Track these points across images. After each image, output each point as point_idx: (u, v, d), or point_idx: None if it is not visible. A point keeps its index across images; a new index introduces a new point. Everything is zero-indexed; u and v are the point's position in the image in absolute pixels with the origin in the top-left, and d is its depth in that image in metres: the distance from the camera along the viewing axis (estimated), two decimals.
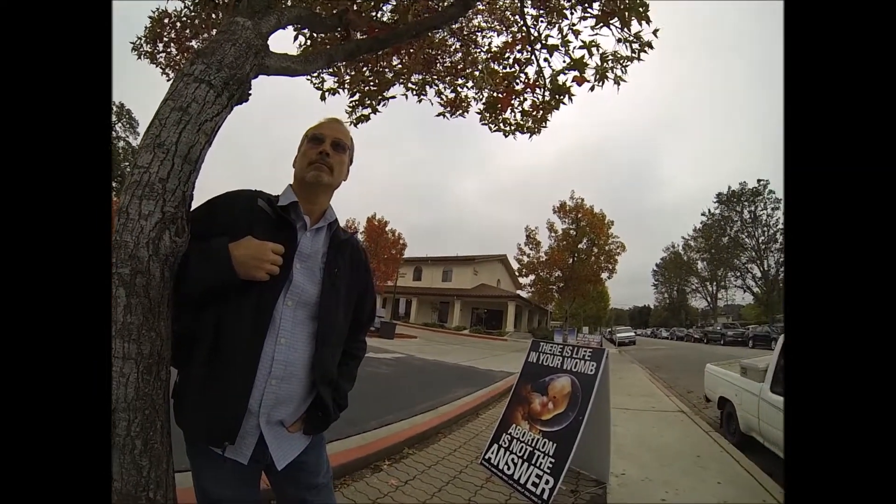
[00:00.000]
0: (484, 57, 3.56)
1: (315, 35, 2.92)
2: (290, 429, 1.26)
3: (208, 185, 1.34)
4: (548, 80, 3.23)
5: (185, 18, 3.42)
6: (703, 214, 56.95)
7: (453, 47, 3.64)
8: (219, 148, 1.38)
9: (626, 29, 2.83)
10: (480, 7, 3.56)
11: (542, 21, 3.15)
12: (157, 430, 1.16)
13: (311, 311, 1.27)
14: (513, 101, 3.44)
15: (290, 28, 2.69)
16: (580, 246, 29.24)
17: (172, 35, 3.51)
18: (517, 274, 32.99)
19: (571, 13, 2.95)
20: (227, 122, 1.36)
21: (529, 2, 3.20)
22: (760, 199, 49.78)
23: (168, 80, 3.56)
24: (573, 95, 3.15)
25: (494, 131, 3.61)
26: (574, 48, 2.95)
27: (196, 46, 3.39)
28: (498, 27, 3.59)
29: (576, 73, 2.99)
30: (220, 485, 1.22)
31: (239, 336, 1.15)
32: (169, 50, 3.58)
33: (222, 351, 1.15)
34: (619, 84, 3.07)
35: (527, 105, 3.46)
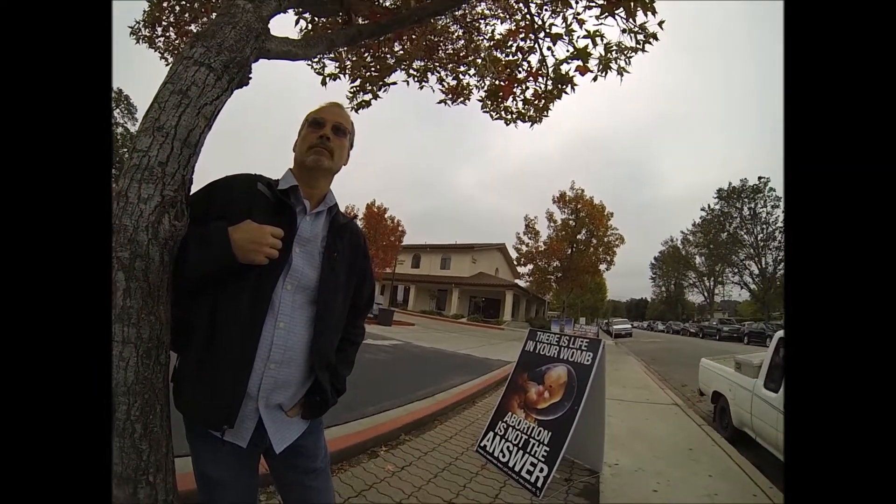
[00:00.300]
0: (487, 44, 3.52)
1: (316, 19, 2.88)
2: (289, 413, 1.27)
3: (207, 170, 1.34)
4: (550, 69, 3.20)
5: (184, 2, 3.37)
6: (702, 209, 56.71)
7: (456, 34, 3.60)
8: (218, 132, 1.37)
9: (631, 19, 2.80)
10: None
11: (546, 9, 3.11)
12: (156, 414, 1.16)
13: (310, 296, 1.27)
14: (515, 90, 3.41)
15: (291, 12, 2.66)
16: (579, 237, 29.34)
17: (171, 19, 3.46)
18: (516, 263, 33.09)
19: (576, 2, 2.91)
20: (226, 107, 1.35)
21: None
22: (760, 196, 49.61)
23: (167, 65, 3.52)
24: (576, 85, 3.13)
25: (496, 119, 3.58)
26: (578, 37, 2.92)
27: (195, 30, 3.35)
28: (501, 15, 3.54)
29: (579, 62, 2.96)
30: (219, 468, 1.23)
31: (238, 320, 1.15)
32: (168, 34, 3.54)
33: (221, 335, 1.15)
34: (622, 75, 3.04)
35: (529, 94, 3.44)
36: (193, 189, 1.26)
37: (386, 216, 30.08)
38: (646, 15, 2.69)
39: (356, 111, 3.36)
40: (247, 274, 1.16)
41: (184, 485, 1.31)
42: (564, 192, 29.85)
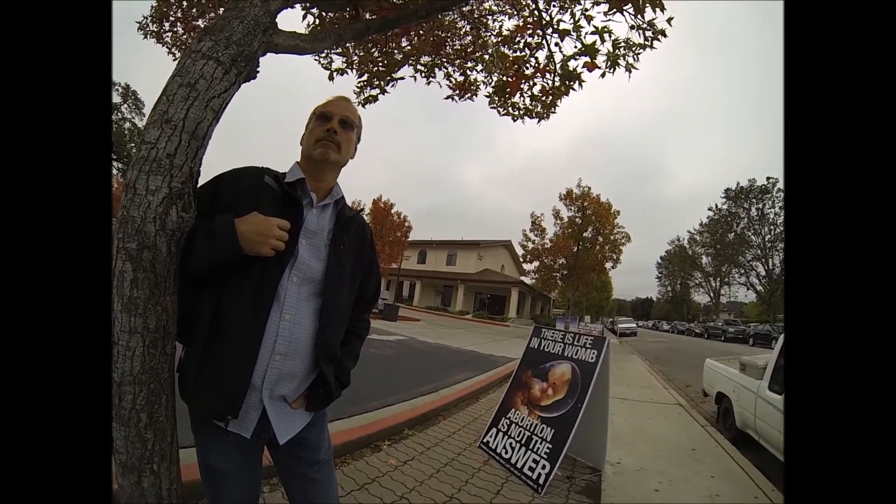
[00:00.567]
0: (494, 40, 3.51)
1: (324, 14, 2.88)
2: (293, 405, 1.28)
3: (214, 163, 1.34)
4: (558, 66, 3.19)
5: None
6: (709, 209, 56.19)
7: (463, 30, 3.58)
8: (226, 126, 1.38)
9: (639, 16, 2.77)
10: None
11: (554, 5, 3.09)
12: (162, 404, 1.18)
13: (316, 288, 1.28)
14: (522, 86, 3.40)
15: (299, 7, 2.66)
16: (585, 234, 29.24)
17: (179, 14, 3.48)
18: (521, 260, 33.04)
19: None
20: (234, 100, 1.36)
21: None
22: (769, 196, 49.00)
23: (174, 60, 3.53)
24: (583, 82, 3.11)
25: (503, 115, 3.57)
26: (586, 34, 2.90)
27: (203, 25, 3.36)
28: (509, 10, 3.52)
29: (587, 58, 2.94)
30: (223, 458, 1.24)
31: (243, 311, 1.16)
32: (175, 29, 3.55)
33: (227, 326, 1.16)
34: (630, 72, 3.02)
35: (536, 90, 3.42)
36: (200, 182, 1.27)
37: (392, 211, 30.08)
38: (654, 11, 2.66)
39: (363, 106, 3.37)
40: (253, 266, 1.17)
41: (188, 475, 1.33)
42: (571, 190, 29.77)
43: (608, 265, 29.92)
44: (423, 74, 3.48)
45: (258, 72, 1.43)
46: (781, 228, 47.20)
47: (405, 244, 30.94)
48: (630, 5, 2.70)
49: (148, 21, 3.55)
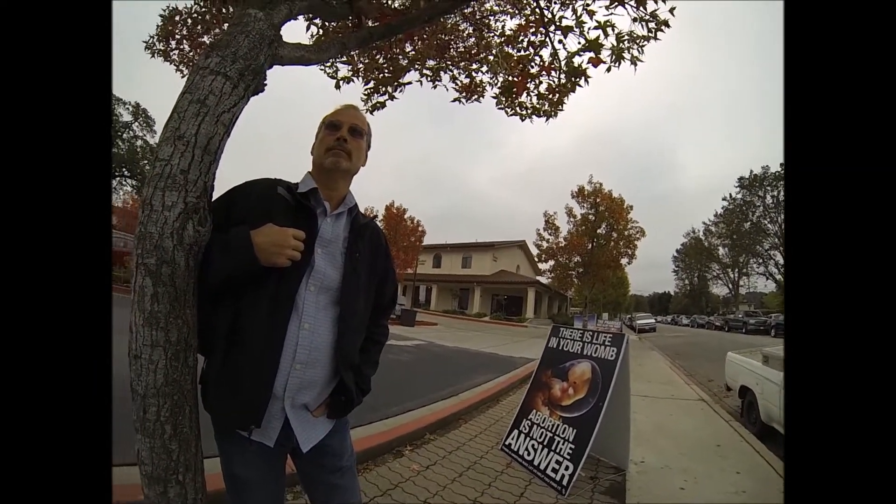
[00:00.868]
0: (497, 41, 3.50)
1: (327, 24, 2.91)
2: (315, 413, 1.29)
3: (227, 177, 1.37)
4: (563, 63, 3.17)
5: (195, 15, 3.44)
6: (724, 199, 55.24)
7: (466, 32, 3.59)
8: (236, 139, 1.40)
9: (641, 7, 2.76)
10: None
11: (555, 2, 3.08)
12: (185, 415, 1.20)
13: (334, 296, 1.29)
14: (528, 85, 3.38)
15: (302, 19, 2.69)
16: (599, 231, 29.04)
17: (184, 32, 3.53)
18: (536, 259, 32.90)
19: None
20: (243, 114, 1.38)
21: None
22: (783, 183, 48.11)
23: (182, 77, 3.60)
24: (589, 77, 3.08)
25: (511, 115, 3.56)
26: (589, 29, 2.88)
27: (208, 41, 3.42)
28: (510, 10, 3.52)
29: (591, 54, 2.92)
30: (247, 468, 1.26)
31: (260, 322, 1.18)
32: (182, 47, 3.61)
33: (246, 337, 1.18)
34: (635, 65, 2.99)
35: (542, 88, 3.40)
36: (214, 196, 1.29)
37: (405, 217, 30.20)
38: (656, 2, 2.64)
39: (371, 113, 3.38)
40: (270, 277, 1.18)
41: (213, 485, 1.34)
42: (583, 187, 29.62)
43: (624, 261, 29.63)
44: (429, 78, 3.49)
45: (265, 84, 1.45)
46: None
47: (419, 249, 31.06)
48: None
49: (154, 40, 3.61)
